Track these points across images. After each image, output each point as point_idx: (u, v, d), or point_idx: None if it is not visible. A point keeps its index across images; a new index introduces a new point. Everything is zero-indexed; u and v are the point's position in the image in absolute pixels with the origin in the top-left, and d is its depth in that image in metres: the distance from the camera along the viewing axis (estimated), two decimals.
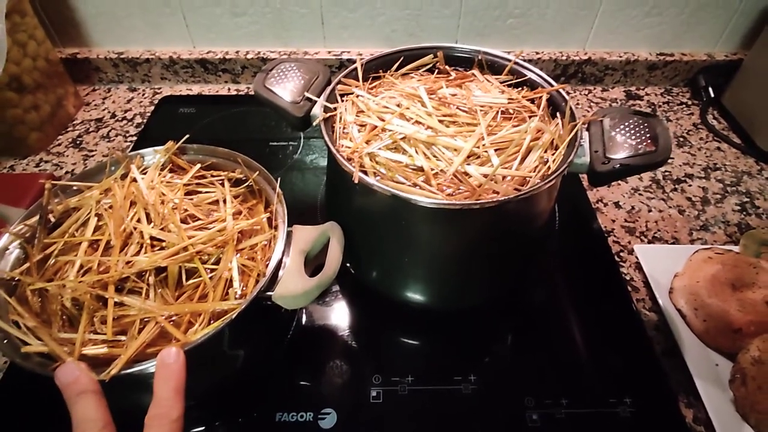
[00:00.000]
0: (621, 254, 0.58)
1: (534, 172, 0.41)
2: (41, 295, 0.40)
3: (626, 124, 0.43)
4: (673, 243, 0.60)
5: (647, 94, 0.85)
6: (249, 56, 0.83)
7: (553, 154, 0.43)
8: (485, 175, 0.40)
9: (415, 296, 0.48)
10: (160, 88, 0.87)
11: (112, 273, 0.39)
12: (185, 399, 0.31)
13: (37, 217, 0.44)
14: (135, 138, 0.76)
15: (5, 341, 0.36)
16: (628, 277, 0.56)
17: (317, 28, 0.81)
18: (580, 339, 0.50)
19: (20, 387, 0.46)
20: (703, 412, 0.44)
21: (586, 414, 0.44)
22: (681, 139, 0.75)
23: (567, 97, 0.46)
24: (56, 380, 0.31)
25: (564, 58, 0.82)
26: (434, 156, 0.42)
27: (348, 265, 0.51)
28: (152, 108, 0.82)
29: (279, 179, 0.47)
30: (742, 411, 0.43)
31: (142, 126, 0.78)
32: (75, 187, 0.47)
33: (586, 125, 0.44)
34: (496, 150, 0.42)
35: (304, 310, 0.52)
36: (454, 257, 0.45)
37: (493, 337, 0.51)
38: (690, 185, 0.67)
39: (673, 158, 0.72)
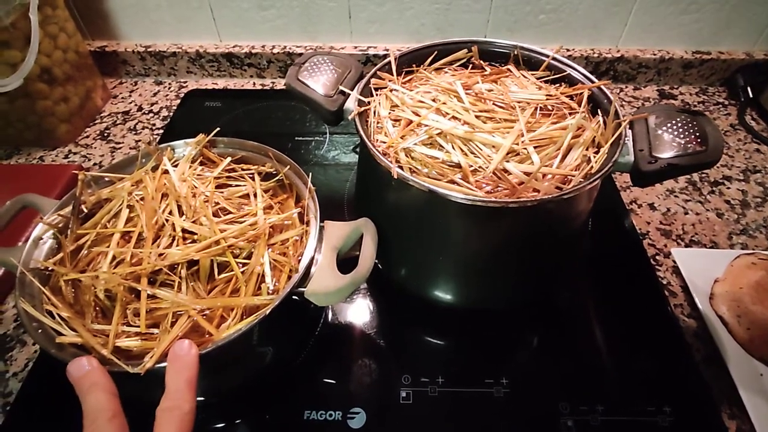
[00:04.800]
0: (657, 257, 0.57)
1: (576, 170, 0.39)
2: (74, 286, 0.40)
3: (673, 122, 0.41)
4: (711, 247, 0.58)
5: (681, 93, 0.82)
6: (275, 51, 0.83)
7: (594, 153, 0.41)
8: (527, 173, 0.38)
9: (447, 296, 0.47)
10: (186, 82, 0.87)
11: (145, 265, 0.38)
12: (204, 394, 0.31)
13: (70, 208, 0.44)
14: (161, 131, 0.76)
15: (39, 331, 0.36)
16: (664, 281, 0.54)
17: (344, 22, 0.81)
18: (615, 344, 0.48)
19: (49, 377, 0.46)
20: (748, 424, 0.42)
21: (623, 422, 0.43)
22: None
23: (610, 95, 0.44)
24: (68, 375, 0.31)
25: (596, 55, 0.80)
26: (471, 152, 0.41)
27: (376, 261, 0.50)
28: (178, 101, 0.82)
29: (310, 174, 0.46)
30: None
31: (169, 119, 0.78)
32: (107, 179, 0.47)
33: (629, 123, 0.43)
34: (535, 147, 0.41)
35: (331, 308, 0.52)
36: (489, 257, 0.43)
37: (525, 339, 0.50)
38: (728, 188, 0.65)
39: None
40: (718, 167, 0.68)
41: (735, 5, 0.75)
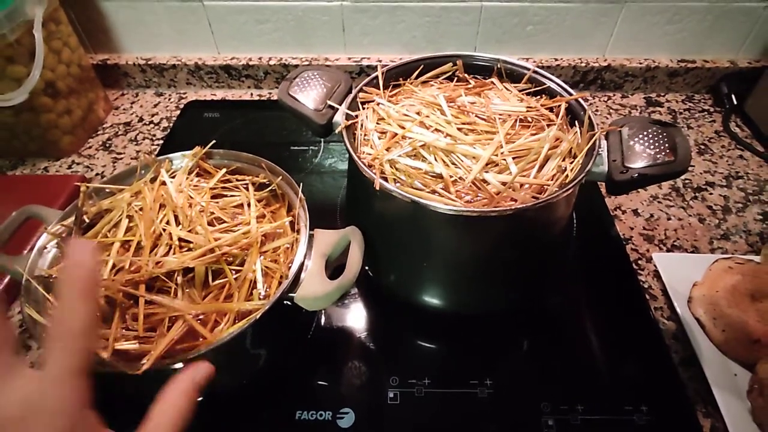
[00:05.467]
0: (639, 262, 0.58)
1: (552, 180, 0.42)
2: None
3: (645, 133, 0.43)
4: (692, 252, 0.59)
5: (668, 101, 0.84)
6: (271, 62, 0.85)
7: (571, 163, 0.43)
8: (503, 183, 0.40)
9: (433, 300, 0.49)
10: (185, 93, 0.89)
11: (143, 273, 0.40)
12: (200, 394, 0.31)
13: (72, 218, 0.46)
14: (162, 141, 0.78)
15: (43, 335, 0.38)
16: (646, 285, 0.56)
17: (338, 35, 0.83)
18: (596, 346, 0.50)
19: None
20: (721, 422, 0.43)
21: (602, 420, 0.44)
22: (702, 147, 0.74)
23: (586, 107, 0.46)
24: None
25: (583, 64, 0.83)
26: (453, 163, 0.43)
27: (366, 268, 0.52)
28: (178, 112, 0.84)
29: (301, 184, 0.49)
30: (759, 421, 0.42)
31: (169, 130, 0.81)
32: (107, 190, 0.50)
33: (604, 134, 0.45)
34: (514, 158, 0.43)
35: (323, 312, 0.54)
36: (471, 263, 0.45)
37: (509, 342, 0.52)
38: (711, 193, 0.67)
39: (693, 166, 0.71)
40: (701, 173, 0.70)
41: (718, 15, 0.78)
